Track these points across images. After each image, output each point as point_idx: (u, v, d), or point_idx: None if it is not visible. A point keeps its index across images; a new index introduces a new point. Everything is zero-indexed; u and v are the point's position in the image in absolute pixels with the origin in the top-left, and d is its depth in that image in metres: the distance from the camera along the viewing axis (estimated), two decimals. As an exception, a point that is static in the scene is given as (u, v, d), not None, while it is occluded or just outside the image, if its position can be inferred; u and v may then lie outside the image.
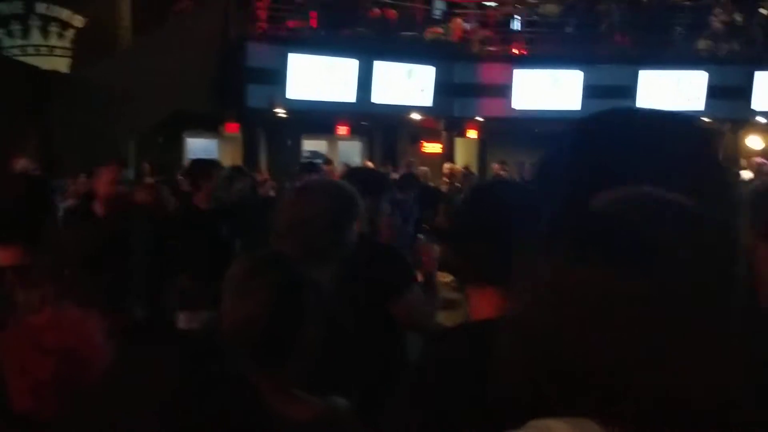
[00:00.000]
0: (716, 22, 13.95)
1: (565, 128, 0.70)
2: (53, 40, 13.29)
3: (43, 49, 13.22)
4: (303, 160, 12.04)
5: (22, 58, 12.49)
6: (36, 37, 13.20)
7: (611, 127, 0.68)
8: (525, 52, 13.92)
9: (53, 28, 13.27)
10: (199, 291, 3.25)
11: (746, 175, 11.47)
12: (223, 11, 11.35)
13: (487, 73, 13.47)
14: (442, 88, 13.14)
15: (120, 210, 3.84)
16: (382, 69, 12.45)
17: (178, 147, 13.42)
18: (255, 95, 11.35)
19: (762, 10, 14.05)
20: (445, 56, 13.24)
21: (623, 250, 0.59)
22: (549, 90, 13.37)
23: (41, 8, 13.17)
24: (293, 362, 1.40)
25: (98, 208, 4.08)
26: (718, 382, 0.58)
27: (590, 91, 13.05)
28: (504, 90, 13.44)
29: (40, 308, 1.56)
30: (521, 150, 11.83)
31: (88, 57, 11.76)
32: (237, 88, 11.21)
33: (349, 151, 15.11)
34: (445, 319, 2.78)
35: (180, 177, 7.15)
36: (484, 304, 1.24)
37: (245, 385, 1.12)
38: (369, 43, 12.37)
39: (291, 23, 11.99)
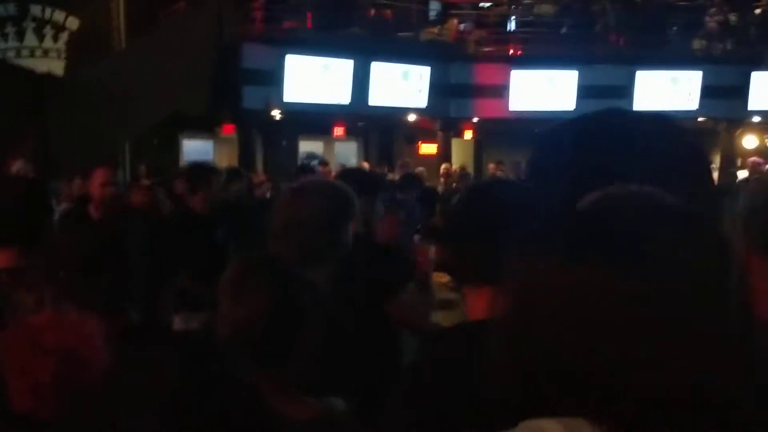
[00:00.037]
0: (711, 22, 13.99)
1: (555, 127, 0.70)
2: (48, 43, 13.28)
3: (38, 52, 13.21)
4: (300, 162, 12.06)
5: (17, 61, 12.47)
6: (31, 40, 13.18)
7: (609, 127, 0.69)
8: (520, 53, 13.94)
9: (48, 31, 13.25)
10: (196, 293, 3.24)
11: (742, 174, 11.51)
12: (218, 13, 11.34)
13: (483, 74, 13.49)
14: (437, 88, 13.15)
15: (114, 212, 3.84)
16: (377, 70, 12.46)
17: (174, 149, 13.41)
18: (251, 96, 11.34)
19: (756, 10, 14.09)
20: (440, 57, 13.26)
21: (620, 250, 0.60)
22: (545, 90, 13.40)
23: (36, 10, 13.16)
24: (292, 363, 1.40)
25: (93, 210, 4.07)
26: (716, 382, 0.58)
27: (586, 91, 13.08)
28: (500, 90, 13.46)
29: (37, 310, 1.56)
30: (518, 150, 11.84)
31: (83, 59, 11.75)
32: (233, 89, 11.20)
33: (345, 152, 15.12)
34: (442, 319, 2.79)
35: (176, 180, 7.14)
36: (480, 304, 1.24)
37: (244, 385, 1.12)
38: (364, 44, 12.38)
39: (286, 24, 11.98)
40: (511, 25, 14.49)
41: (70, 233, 2.09)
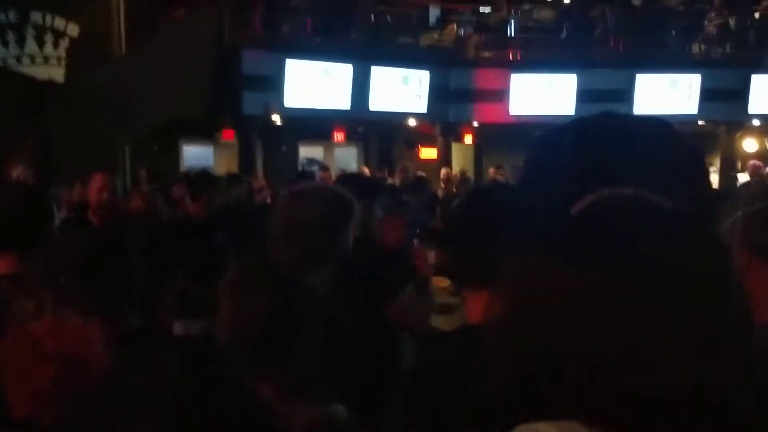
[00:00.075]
0: (710, 25, 14.02)
1: (553, 129, 0.70)
2: (49, 50, 13.30)
3: (39, 59, 13.23)
4: (300, 167, 12.07)
5: (17, 68, 12.50)
6: (31, 47, 13.21)
7: (608, 130, 0.69)
8: (520, 57, 13.97)
9: (48, 38, 13.28)
10: (196, 293, 3.25)
11: (742, 177, 11.53)
12: (218, 18, 11.37)
13: (483, 79, 13.52)
14: (437, 93, 13.18)
15: (112, 218, 3.84)
16: (377, 75, 12.48)
17: (174, 154, 13.42)
18: (250, 102, 11.36)
19: (756, 14, 14.12)
20: (440, 62, 13.29)
21: (618, 251, 0.60)
22: (544, 95, 13.42)
23: (36, 18, 13.19)
24: (292, 366, 1.40)
25: (92, 216, 4.09)
26: (716, 382, 0.59)
27: (585, 95, 13.10)
28: (499, 95, 13.48)
29: (37, 316, 1.56)
30: (518, 154, 11.83)
31: (83, 66, 11.77)
32: (232, 94, 11.22)
33: (345, 157, 15.13)
34: (442, 323, 2.79)
35: (174, 185, 7.16)
36: (480, 308, 1.24)
37: (244, 387, 1.12)
38: (364, 49, 12.41)
39: (286, 29, 12.01)
40: (511, 30, 14.52)
41: (68, 238, 2.09)
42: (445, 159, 13.96)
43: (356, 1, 12.79)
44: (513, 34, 14.41)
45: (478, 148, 15.10)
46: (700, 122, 14.01)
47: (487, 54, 13.92)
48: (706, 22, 14.10)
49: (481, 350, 0.66)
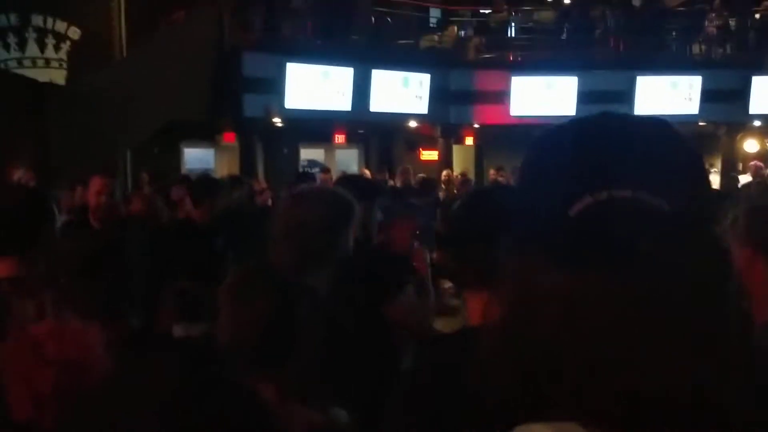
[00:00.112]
0: (710, 26, 14.02)
1: (552, 129, 0.70)
2: (50, 53, 13.32)
3: (40, 62, 13.25)
4: (300, 169, 12.07)
5: (18, 71, 12.51)
6: (33, 50, 13.23)
7: (607, 130, 0.69)
8: (520, 59, 13.98)
9: (50, 41, 13.30)
10: (196, 293, 3.25)
11: (744, 178, 11.53)
12: (218, 20, 11.38)
13: (483, 80, 13.53)
14: (438, 95, 13.18)
15: (112, 220, 3.84)
16: (378, 77, 12.49)
17: (175, 157, 13.43)
18: (251, 104, 11.37)
19: (756, 15, 14.12)
20: (440, 63, 13.30)
21: (617, 252, 0.60)
22: (545, 96, 13.42)
23: (38, 21, 13.21)
24: (292, 367, 1.40)
25: (92, 219, 4.09)
26: (716, 382, 0.59)
27: (586, 97, 13.10)
28: (500, 96, 13.48)
29: (38, 319, 1.56)
30: (518, 156, 11.73)
31: (84, 68, 11.78)
32: (233, 97, 11.23)
33: (346, 159, 15.14)
34: (443, 325, 2.78)
35: (173, 186, 7.16)
36: (481, 309, 1.24)
37: (245, 389, 1.12)
38: (365, 51, 12.42)
39: (287, 32, 12.02)
40: (511, 32, 14.53)
41: (68, 240, 2.09)
42: (445, 161, 13.97)
43: (356, 3, 12.80)
44: (513, 36, 14.42)
45: (479, 149, 15.10)
46: (700, 123, 14.00)
47: (487, 55, 13.93)
48: (706, 23, 14.10)
49: (480, 350, 0.67)
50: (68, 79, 12.76)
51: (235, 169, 11.62)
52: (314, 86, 11.85)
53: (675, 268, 0.60)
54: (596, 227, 0.61)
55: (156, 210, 4.74)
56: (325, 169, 10.38)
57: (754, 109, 13.93)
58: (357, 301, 2.11)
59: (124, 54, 12.66)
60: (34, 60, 13.22)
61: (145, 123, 10.44)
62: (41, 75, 12.45)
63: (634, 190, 0.62)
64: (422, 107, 13.14)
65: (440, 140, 14.30)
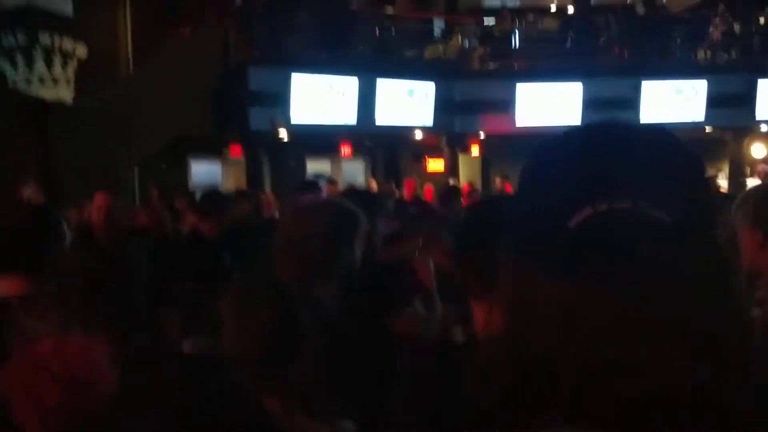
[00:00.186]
0: (715, 31, 14.00)
1: (549, 139, 0.70)
2: (57, 71, 13.43)
3: (47, 80, 13.36)
4: (306, 179, 12.07)
5: (27, 90, 12.62)
6: (40, 69, 13.34)
7: (609, 138, 0.69)
8: (525, 68, 14.00)
9: (57, 59, 13.42)
10: (203, 315, 3.25)
11: (752, 182, 11.48)
12: (223, 35, 11.47)
13: (488, 90, 13.54)
14: (443, 105, 13.21)
15: (115, 235, 3.87)
16: (383, 88, 12.53)
17: (182, 171, 13.48)
18: (257, 118, 11.42)
19: (760, 19, 14.10)
20: (445, 73, 13.33)
21: (612, 266, 0.60)
22: (550, 104, 13.42)
23: (45, 40, 13.33)
24: (297, 378, 1.40)
25: (96, 235, 4.13)
26: (710, 387, 0.59)
27: (591, 104, 13.09)
28: (505, 105, 13.49)
29: (45, 336, 1.56)
30: (524, 165, 11.81)
31: (91, 86, 11.88)
32: (239, 111, 11.29)
33: (352, 170, 15.15)
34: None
35: (177, 199, 7.19)
36: (484, 317, 1.24)
37: (251, 403, 1.12)
38: (369, 63, 12.47)
39: (291, 45, 12.08)
40: (515, 41, 14.56)
41: (73, 257, 2.11)
42: (452, 171, 13.97)
43: (361, 15, 12.87)
44: (517, 45, 14.45)
45: (485, 159, 15.10)
46: (707, 129, 13.96)
47: (492, 65, 13.96)
48: (710, 29, 14.09)
49: (482, 356, 0.67)
50: (75, 97, 12.86)
51: (243, 183, 11.67)
52: (320, 98, 11.89)
53: (675, 279, 0.60)
54: (596, 239, 0.61)
55: (162, 223, 4.76)
56: (331, 181, 10.39)
57: (760, 113, 13.88)
58: (362, 312, 2.11)
59: (131, 71, 12.77)
60: (41, 79, 13.34)
61: (151, 139, 10.51)
62: (49, 93, 12.55)
63: (634, 200, 0.62)
64: (427, 118, 13.16)
65: (446, 150, 14.31)
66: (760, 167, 12.95)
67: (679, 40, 14.31)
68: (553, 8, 16.36)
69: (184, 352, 3.19)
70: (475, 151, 14.39)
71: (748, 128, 14.34)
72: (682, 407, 0.58)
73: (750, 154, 14.88)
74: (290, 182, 11.86)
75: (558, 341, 0.61)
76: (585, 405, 0.59)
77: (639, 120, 12.99)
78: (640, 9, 14.22)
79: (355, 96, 12.20)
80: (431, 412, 1.12)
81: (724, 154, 14.86)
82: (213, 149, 13.04)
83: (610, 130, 0.70)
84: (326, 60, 12.09)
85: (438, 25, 15.08)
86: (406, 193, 10.79)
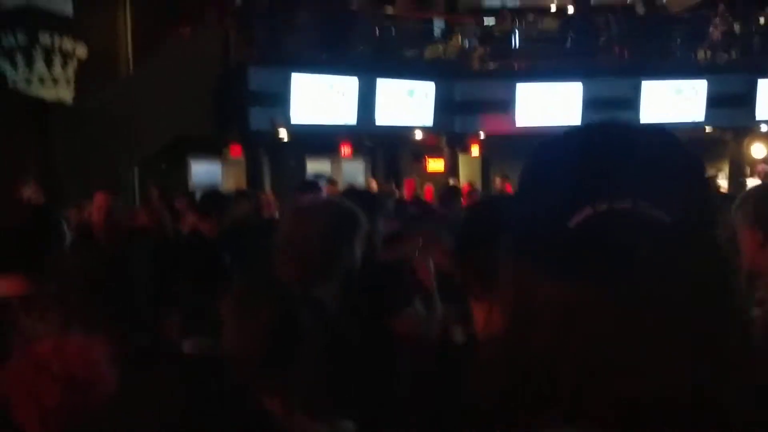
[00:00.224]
0: (715, 31, 14.00)
1: (548, 139, 0.70)
2: (57, 71, 13.43)
3: (47, 80, 13.36)
4: (306, 179, 12.07)
5: (27, 90, 12.62)
6: (40, 69, 13.34)
7: (605, 140, 0.69)
8: (525, 68, 14.00)
9: (57, 59, 13.42)
10: (203, 316, 3.25)
11: (752, 182, 11.48)
12: (223, 36, 11.47)
13: (488, 90, 13.54)
14: (443, 105, 13.21)
15: (117, 235, 3.87)
16: (383, 88, 12.53)
17: (182, 172, 13.49)
18: (257, 118, 11.42)
19: (760, 19, 14.10)
20: (445, 73, 13.33)
21: (612, 267, 0.60)
22: (550, 104, 13.42)
23: (45, 40, 13.33)
24: (297, 378, 1.40)
25: (96, 235, 4.14)
26: (710, 387, 0.59)
27: (591, 104, 13.09)
28: (505, 105, 13.49)
29: (45, 336, 1.56)
30: (524, 165, 11.81)
31: (91, 86, 11.88)
32: (239, 111, 11.29)
33: (352, 170, 15.15)
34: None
35: (177, 199, 7.20)
36: (484, 317, 1.24)
37: (251, 404, 1.12)
38: (369, 63, 12.47)
39: (291, 45, 12.08)
40: (515, 41, 14.56)
41: (74, 257, 2.11)
42: (452, 171, 13.97)
43: (361, 15, 12.87)
44: (517, 45, 14.45)
45: (485, 159, 15.10)
46: (707, 129, 13.96)
47: (492, 65, 13.96)
48: (710, 29, 14.09)
49: (482, 356, 0.67)
50: (75, 97, 12.87)
51: (243, 183, 11.67)
52: (320, 98, 11.89)
53: (674, 279, 0.60)
54: (596, 239, 0.61)
55: (162, 223, 4.76)
56: (332, 181, 10.38)
57: (760, 113, 13.88)
58: (362, 312, 2.11)
59: (131, 71, 12.77)
60: (41, 79, 13.34)
61: (152, 139, 10.51)
62: (49, 93, 12.56)
63: (634, 200, 0.62)
64: (427, 118, 13.16)
65: (446, 150, 14.31)
66: (760, 167, 12.95)
67: (679, 40, 14.31)
68: (553, 8, 16.36)
69: (184, 352, 3.19)
70: (475, 151, 14.39)
71: (748, 128, 14.34)
72: (682, 407, 0.58)
73: (750, 154, 14.88)
74: (290, 182, 11.86)
75: (558, 341, 0.61)
76: (585, 405, 0.59)
77: (639, 120, 13.00)
78: (640, 9, 14.22)
79: (355, 96, 12.20)
80: (431, 412, 1.12)
81: (724, 154, 14.86)
82: (213, 149, 13.05)
83: (609, 130, 0.70)
84: (326, 60, 12.09)
85: (438, 25, 15.08)
86: (405, 193, 10.78)
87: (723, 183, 13.12)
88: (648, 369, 0.59)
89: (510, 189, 10.77)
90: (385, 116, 12.61)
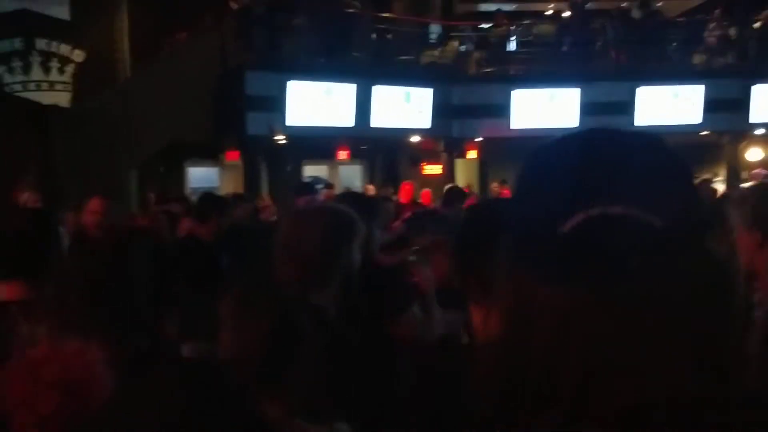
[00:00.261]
0: (710, 36, 14.05)
1: (542, 146, 0.71)
2: (54, 76, 13.44)
3: (44, 85, 13.36)
4: (302, 181, 12.08)
5: (23, 94, 12.62)
6: (37, 73, 13.35)
7: (596, 145, 0.70)
8: (522, 72, 14.03)
9: (54, 64, 13.42)
10: (202, 320, 3.25)
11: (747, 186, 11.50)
12: (221, 40, 11.48)
13: (485, 94, 13.56)
14: (440, 109, 13.23)
15: (113, 238, 3.87)
16: (379, 93, 12.55)
17: (180, 176, 13.49)
18: (254, 122, 11.42)
19: (755, 24, 14.16)
20: (442, 78, 13.35)
21: (605, 272, 0.61)
22: (547, 108, 13.45)
23: (42, 44, 13.34)
24: (296, 383, 1.40)
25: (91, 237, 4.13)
26: (706, 387, 0.59)
27: (588, 108, 13.13)
28: (502, 110, 13.52)
29: (43, 341, 1.56)
30: (522, 169, 11.82)
31: (88, 90, 11.88)
32: (237, 116, 11.29)
33: (349, 175, 15.17)
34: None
35: (172, 202, 7.20)
36: (487, 322, 1.25)
37: (250, 408, 1.12)
38: (366, 68, 12.48)
39: (289, 50, 12.10)
40: (511, 46, 14.59)
41: (73, 261, 2.11)
42: (449, 175, 13.98)
43: (357, 20, 12.89)
44: (514, 50, 14.48)
45: (483, 163, 15.12)
46: (703, 133, 14.00)
47: (488, 69, 13.99)
48: (706, 33, 14.14)
49: (479, 362, 0.68)
50: (72, 102, 12.86)
51: (240, 187, 11.67)
52: (317, 103, 11.90)
53: (666, 281, 0.61)
54: (589, 244, 0.62)
55: (160, 227, 4.77)
56: (328, 185, 10.38)
57: (754, 117, 13.93)
58: (361, 317, 2.11)
59: (128, 76, 12.76)
60: (38, 83, 13.34)
61: (149, 143, 10.50)
62: (46, 98, 12.55)
63: (625, 205, 0.63)
64: (425, 122, 13.18)
65: (443, 155, 14.32)
66: (756, 171, 12.98)
67: (675, 44, 14.35)
68: (550, 13, 16.41)
69: (182, 355, 3.18)
70: (472, 155, 14.40)
71: (744, 132, 14.39)
72: (682, 407, 0.59)
73: (746, 158, 14.93)
74: (287, 186, 11.87)
75: (555, 345, 0.62)
76: (585, 406, 0.60)
77: (635, 124, 13.05)
78: (636, 13, 14.26)
79: (352, 101, 12.22)
80: (431, 412, 1.13)
81: (721, 158, 14.91)
82: (210, 153, 13.05)
83: (602, 136, 0.71)
84: (323, 65, 12.11)
85: (434, 30, 15.11)
86: (402, 197, 10.78)
87: (720, 187, 13.15)
88: (647, 369, 0.59)
89: (507, 193, 10.78)
90: (382, 121, 12.62)
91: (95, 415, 1.22)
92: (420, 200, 11.08)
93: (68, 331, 1.56)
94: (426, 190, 12.40)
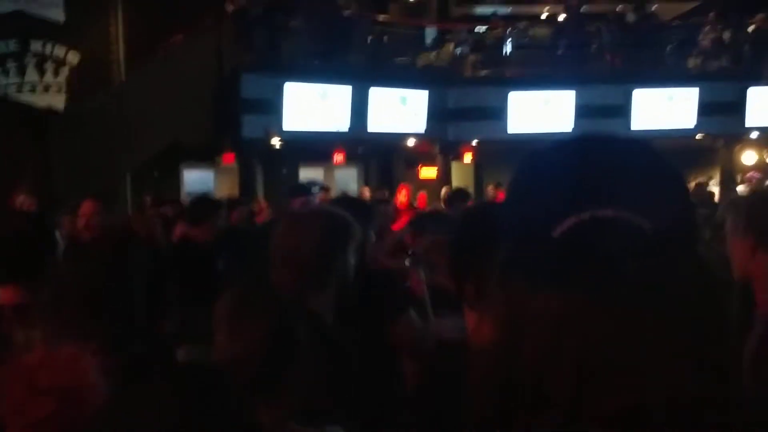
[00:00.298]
0: (705, 39, 14.11)
1: (535, 151, 0.72)
2: (49, 78, 13.40)
3: (39, 87, 13.33)
4: (297, 183, 12.06)
5: (18, 96, 12.58)
6: (32, 75, 13.31)
7: (591, 152, 0.70)
8: (517, 75, 14.06)
9: (49, 66, 13.39)
10: (197, 324, 3.24)
11: (742, 189, 11.55)
12: (217, 43, 11.47)
13: (480, 97, 13.58)
14: (435, 112, 13.24)
15: (108, 241, 3.86)
16: (375, 96, 12.56)
17: (175, 179, 13.46)
18: (250, 125, 11.41)
19: (750, 27, 14.22)
20: (438, 81, 13.37)
21: (596, 275, 0.61)
22: (542, 111, 13.47)
23: (37, 46, 13.30)
24: (292, 388, 1.40)
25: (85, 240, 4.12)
26: (699, 389, 0.60)
27: (583, 111, 13.16)
28: (497, 113, 13.54)
29: (38, 347, 1.56)
30: (517, 172, 11.82)
31: (83, 93, 11.85)
32: (232, 118, 11.28)
33: (345, 178, 15.16)
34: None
35: (166, 204, 7.19)
36: (482, 326, 1.25)
37: (246, 415, 1.12)
38: (362, 71, 12.49)
39: (285, 53, 12.09)
40: (507, 48, 14.62)
41: (69, 266, 2.10)
42: (445, 178, 13.99)
43: (353, 23, 12.90)
44: (509, 52, 14.50)
45: (478, 166, 15.13)
46: (698, 136, 14.05)
47: (484, 72, 14.01)
48: (701, 36, 14.19)
49: (474, 366, 0.68)
50: (68, 104, 12.83)
51: (235, 191, 11.65)
52: (313, 106, 11.90)
53: (658, 284, 0.61)
54: (580, 247, 0.62)
55: (154, 232, 4.76)
56: (324, 188, 10.38)
57: (750, 121, 13.98)
58: (358, 320, 2.11)
59: (123, 78, 12.74)
60: (33, 86, 13.30)
61: (144, 146, 10.48)
62: (41, 100, 12.53)
63: (616, 209, 0.63)
64: (420, 125, 13.19)
65: (439, 157, 14.33)
66: (750, 174, 13.03)
67: (670, 47, 14.40)
68: (545, 16, 16.45)
69: (178, 360, 3.17)
70: (467, 158, 14.42)
71: (739, 135, 14.43)
72: (682, 407, 0.59)
73: (740, 161, 14.98)
74: (283, 190, 11.86)
75: (549, 351, 0.62)
76: (584, 406, 0.60)
77: (630, 127, 13.09)
78: (631, 17, 14.31)
79: (348, 104, 12.22)
80: (431, 413, 1.13)
81: (715, 161, 14.95)
82: (205, 156, 13.03)
83: (594, 141, 0.71)
84: (320, 68, 12.11)
85: (430, 33, 15.13)
86: (398, 200, 10.77)
87: (714, 190, 13.19)
88: (646, 369, 0.60)
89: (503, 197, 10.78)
90: (378, 124, 12.62)
91: (90, 421, 1.22)
92: (417, 203, 11.09)
93: (63, 337, 1.55)
94: (422, 193, 12.41)
